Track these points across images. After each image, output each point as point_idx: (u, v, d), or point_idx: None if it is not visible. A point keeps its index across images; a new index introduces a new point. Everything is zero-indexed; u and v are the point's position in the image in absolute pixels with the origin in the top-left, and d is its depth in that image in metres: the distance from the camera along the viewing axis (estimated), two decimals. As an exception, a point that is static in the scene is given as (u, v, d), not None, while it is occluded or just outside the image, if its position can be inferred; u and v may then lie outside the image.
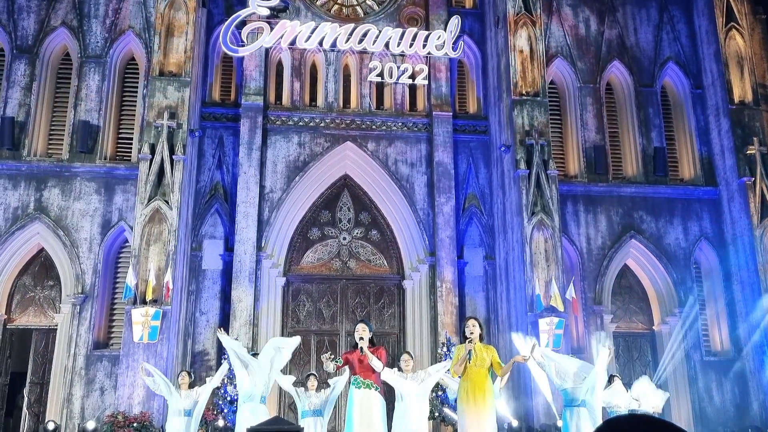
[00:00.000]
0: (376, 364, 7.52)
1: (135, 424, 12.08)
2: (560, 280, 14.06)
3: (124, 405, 12.59)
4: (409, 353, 9.44)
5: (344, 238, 16.25)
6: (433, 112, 16.32)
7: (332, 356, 7.75)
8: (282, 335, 15.26)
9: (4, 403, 14.86)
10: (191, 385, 10.23)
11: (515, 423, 9.73)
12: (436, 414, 13.49)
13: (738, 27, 16.85)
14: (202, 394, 9.86)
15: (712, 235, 16.51)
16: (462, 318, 14.57)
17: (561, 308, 13.65)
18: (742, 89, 16.49)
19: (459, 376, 7.48)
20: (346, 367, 8.18)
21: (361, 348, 7.51)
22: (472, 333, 7.44)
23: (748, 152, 15.87)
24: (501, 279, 15.61)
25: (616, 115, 17.55)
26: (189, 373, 10.28)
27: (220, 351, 14.36)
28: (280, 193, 15.74)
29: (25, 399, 14.70)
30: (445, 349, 14.03)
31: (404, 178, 16.13)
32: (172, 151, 14.00)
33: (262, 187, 15.61)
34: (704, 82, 17.42)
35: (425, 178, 16.15)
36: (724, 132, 16.58)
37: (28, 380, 14.78)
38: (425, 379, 8.54)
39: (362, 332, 7.64)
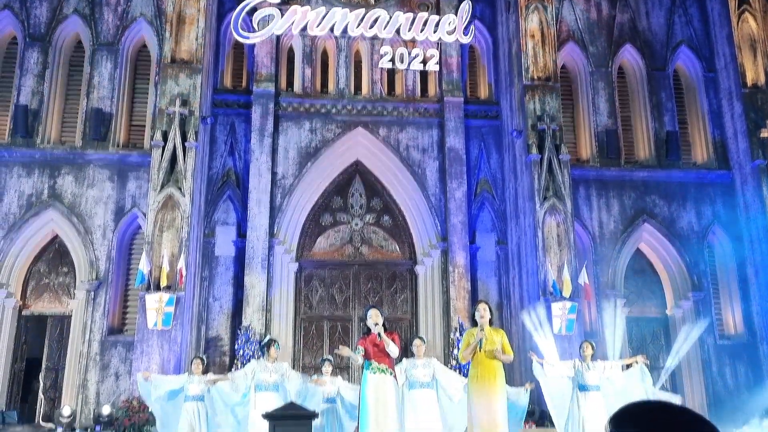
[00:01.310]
0: (392, 349, 7.47)
1: (150, 410, 11.98)
2: (573, 265, 13.99)
3: (139, 390, 12.46)
4: (421, 338, 9.55)
5: (356, 224, 16.20)
6: (445, 98, 16.20)
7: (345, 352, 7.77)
8: (295, 321, 15.46)
9: (20, 389, 14.89)
10: (205, 372, 10.21)
11: (528, 387, 9.75)
12: None
13: (750, 9, 16.59)
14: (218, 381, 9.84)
15: (725, 219, 16.31)
16: (474, 303, 14.44)
17: (568, 293, 13.58)
18: (755, 72, 16.24)
19: (468, 362, 7.45)
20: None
21: (379, 333, 7.47)
22: (482, 317, 7.37)
23: (762, 135, 15.65)
24: (513, 264, 15.54)
25: (628, 100, 17.36)
26: (202, 359, 10.23)
27: (234, 336, 14.49)
28: (292, 179, 15.69)
29: (41, 384, 14.74)
30: (457, 334, 14.02)
31: (416, 164, 16.05)
32: (184, 138, 13.95)
33: (274, 173, 15.58)
34: (717, 65, 17.18)
35: (437, 164, 16.07)
36: (737, 115, 16.34)
37: (43, 366, 14.82)
38: (435, 372, 8.77)
39: (376, 317, 7.59)
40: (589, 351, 9.71)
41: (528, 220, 14.64)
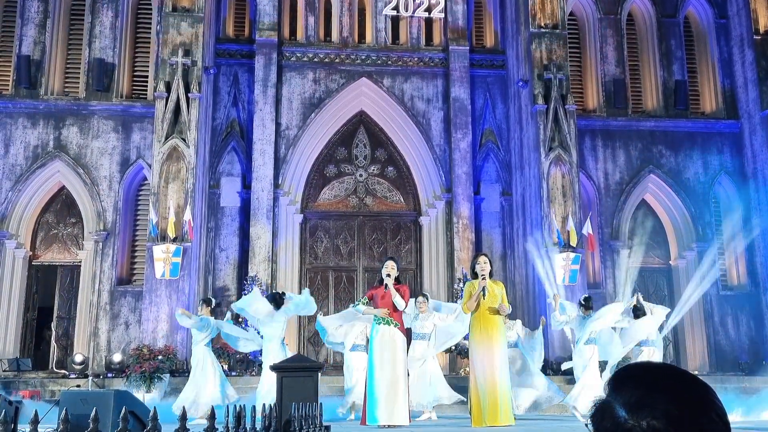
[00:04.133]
0: (398, 301, 7.45)
1: (160, 357, 12.31)
2: (577, 216, 14.02)
3: (149, 339, 12.83)
4: (424, 295, 9.67)
5: (361, 175, 16.23)
6: (450, 47, 15.99)
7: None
8: (301, 271, 15.58)
9: (33, 337, 15.20)
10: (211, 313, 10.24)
11: (542, 322, 10.07)
12: (452, 348, 13.40)
13: (765, -47, 16.21)
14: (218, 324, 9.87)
15: (732, 169, 16.21)
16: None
17: (574, 243, 13.64)
18: (767, 19, 15.96)
19: (471, 312, 7.44)
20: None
21: (386, 284, 7.44)
22: (483, 270, 7.35)
23: (773, 84, 15.49)
24: (518, 215, 15.55)
25: (637, 48, 17.08)
26: (205, 301, 10.22)
27: (241, 286, 14.63)
28: (296, 130, 15.66)
29: (53, 333, 15.02)
30: (461, 284, 14.02)
31: (420, 114, 15.96)
32: (187, 89, 13.92)
33: (278, 124, 15.53)
34: (729, 11, 16.82)
35: (441, 114, 15.97)
36: (747, 63, 16.08)
37: (55, 315, 15.08)
38: (436, 323, 9.02)
39: (390, 269, 7.52)
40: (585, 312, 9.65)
41: (533, 170, 14.61)
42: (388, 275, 7.50)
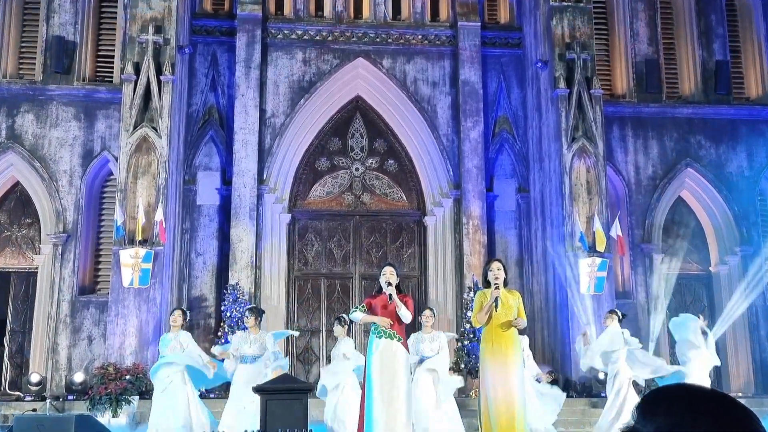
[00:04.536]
0: (404, 313, 7.48)
1: (128, 377, 12.21)
2: (604, 215, 14.02)
3: (115, 356, 12.78)
4: (431, 309, 9.70)
5: (357, 169, 16.23)
6: (459, 23, 15.98)
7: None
8: (288, 279, 15.62)
9: (-18, 354, 15.16)
10: (183, 327, 10.15)
11: (546, 378, 10.04)
12: (462, 365, 13.66)
13: None
14: (190, 345, 9.80)
15: (782, 163, 16.23)
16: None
17: (602, 248, 13.67)
18: (823, -10, 16.05)
19: (482, 326, 7.42)
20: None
21: (390, 295, 7.46)
22: (497, 278, 7.29)
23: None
24: (536, 214, 15.57)
25: (672, 24, 17.07)
26: (184, 312, 10.20)
27: (220, 296, 14.66)
28: (283, 117, 15.64)
29: (6, 348, 14.95)
30: (471, 293, 14.04)
31: (425, 100, 15.96)
32: (159, 71, 13.91)
33: (262, 111, 15.52)
34: (778, -18, 16.86)
35: (449, 100, 15.98)
36: (799, 42, 16.17)
37: (8, 328, 15.02)
38: (440, 346, 9.05)
39: (390, 276, 7.57)
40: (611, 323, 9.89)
41: (553, 164, 14.62)
42: (389, 283, 7.52)
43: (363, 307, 7.73)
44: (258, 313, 9.83)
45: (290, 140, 15.74)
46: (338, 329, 9.80)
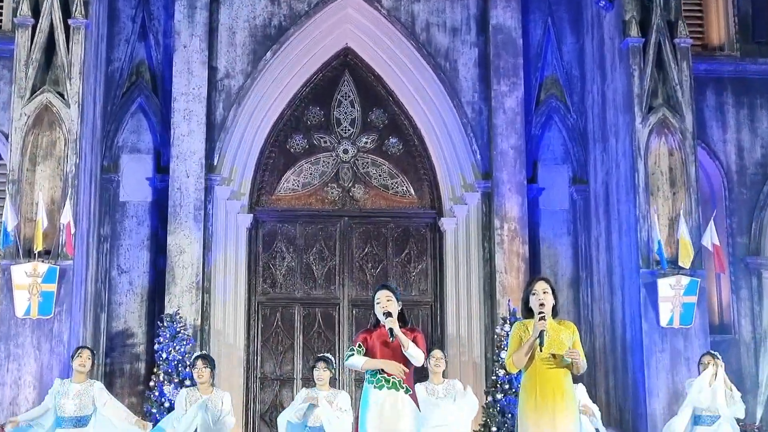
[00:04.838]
0: (414, 353, 7.39)
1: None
2: (693, 217, 13.87)
3: (6, 414, 12.57)
4: (442, 352, 10.04)
5: (345, 151, 16.12)
6: (488, -55, 16.01)
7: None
8: (249, 306, 15.63)
9: None
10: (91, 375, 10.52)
11: None
12: (493, 428, 13.49)
13: None
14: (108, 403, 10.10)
15: None
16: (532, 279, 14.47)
17: (690, 262, 13.52)
18: None
19: (521, 371, 7.26)
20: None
21: (391, 330, 7.31)
22: (543, 304, 7.12)
23: None
24: (598, 215, 15.46)
25: (790, -53, 16.97)
26: (91, 351, 10.38)
27: (153, 330, 14.68)
28: (243, 79, 15.52)
29: None
30: (506, 327, 13.78)
31: (441, 53, 15.84)
32: (67, 14, 13.76)
33: (212, 69, 15.42)
34: None
35: (475, 53, 15.89)
36: None
37: None
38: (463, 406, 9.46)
39: (387, 303, 7.48)
40: (713, 370, 10.23)
41: (622, 144, 14.48)
42: (389, 314, 7.40)
43: (361, 347, 7.62)
44: (213, 364, 10.22)
45: (252, 110, 15.59)
46: (326, 375, 10.00)
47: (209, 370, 9.94)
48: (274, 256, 15.86)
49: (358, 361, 7.56)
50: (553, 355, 7.17)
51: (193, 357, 10.64)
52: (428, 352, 9.45)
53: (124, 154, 15.48)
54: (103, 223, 15.13)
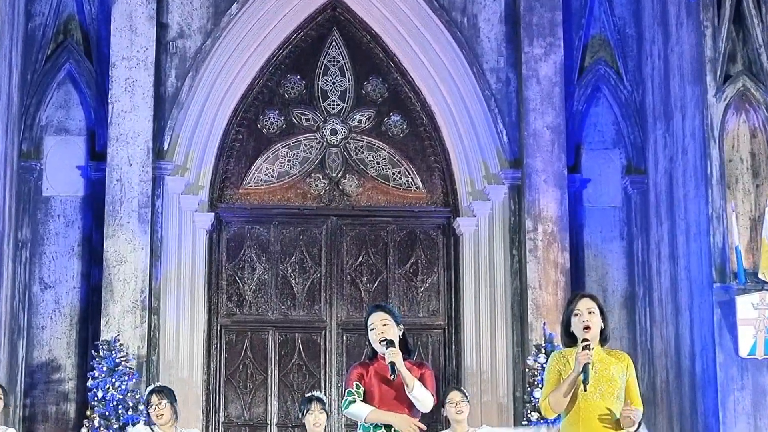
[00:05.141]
0: (421, 395, 7.32)
1: None
2: (782, 216, 13.84)
3: None
4: (462, 392, 9.84)
5: (333, 132, 16.22)
6: None
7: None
8: (209, 330, 15.66)
9: None
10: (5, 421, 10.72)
11: None
12: None
13: None
14: None
15: None
16: (575, 296, 14.49)
17: None
18: None
19: (561, 415, 7.27)
20: None
21: (392, 364, 7.27)
22: (588, 328, 7.12)
23: None
24: (659, 214, 15.54)
25: None
26: (3, 390, 10.44)
27: (85, 363, 14.70)
28: (201, 38, 15.60)
29: None
30: (542, 358, 13.75)
31: (457, 6, 15.92)
32: (-33, -50, 13.94)
33: (162, 26, 15.48)
34: None
35: (501, 6, 16.01)
36: None
37: None
38: None
39: (383, 328, 7.42)
40: None
41: (690, 122, 14.51)
42: (390, 342, 7.37)
43: (359, 388, 7.57)
44: (174, 397, 10.04)
45: (213, 80, 15.67)
46: (323, 418, 9.86)
47: (170, 404, 9.73)
48: (241, 267, 15.89)
49: (361, 411, 7.44)
50: (608, 411, 7.07)
51: (147, 392, 10.32)
52: (439, 395, 9.17)
53: (49, 135, 15.48)
54: (21, 224, 15.13)
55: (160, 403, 9.72)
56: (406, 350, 7.61)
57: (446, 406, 9.59)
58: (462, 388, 10.21)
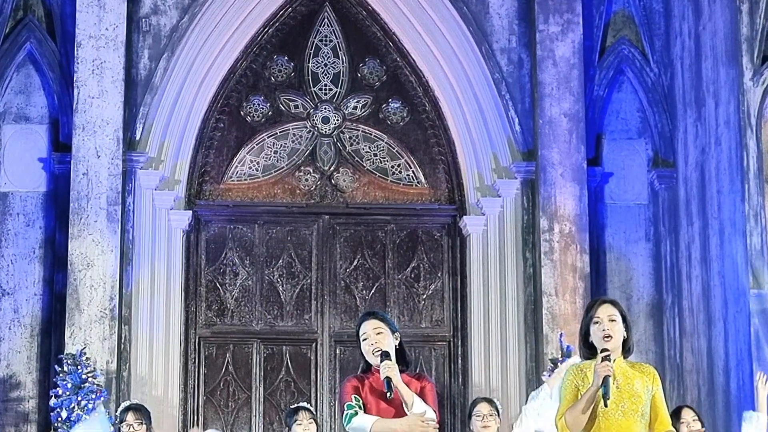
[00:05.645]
0: (421, 410, 7.02)
1: None
2: (828, 215, 13.80)
3: None
4: (492, 403, 9.83)
5: (325, 120, 16.04)
6: None
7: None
8: (186, 343, 15.64)
9: None
10: None
11: None
12: None
13: None
14: None
15: None
16: (594, 303, 14.19)
17: None
18: None
19: None
20: None
21: (388, 380, 6.90)
22: (608, 336, 6.73)
23: None
24: (689, 212, 15.26)
25: None
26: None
27: (48, 379, 14.59)
28: (178, 15, 15.44)
29: None
30: (554, 371, 13.54)
31: (464, -20, 15.90)
32: None
33: (133, 1, 15.37)
34: None
35: (512, -18, 15.96)
36: None
37: None
38: None
39: (377, 337, 7.09)
40: None
41: (725, 109, 14.20)
42: (385, 354, 7.03)
43: (359, 401, 7.25)
44: (149, 417, 10.05)
45: (191, 61, 15.52)
46: (313, 428, 10.05)
47: (145, 425, 9.60)
48: (222, 272, 15.79)
49: (365, 422, 7.16)
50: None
51: (121, 408, 10.20)
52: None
53: (7, 123, 15.39)
54: (-25, 223, 15.33)
55: (136, 423, 9.62)
56: (404, 362, 7.31)
57: (472, 419, 9.53)
58: (493, 398, 10.30)
